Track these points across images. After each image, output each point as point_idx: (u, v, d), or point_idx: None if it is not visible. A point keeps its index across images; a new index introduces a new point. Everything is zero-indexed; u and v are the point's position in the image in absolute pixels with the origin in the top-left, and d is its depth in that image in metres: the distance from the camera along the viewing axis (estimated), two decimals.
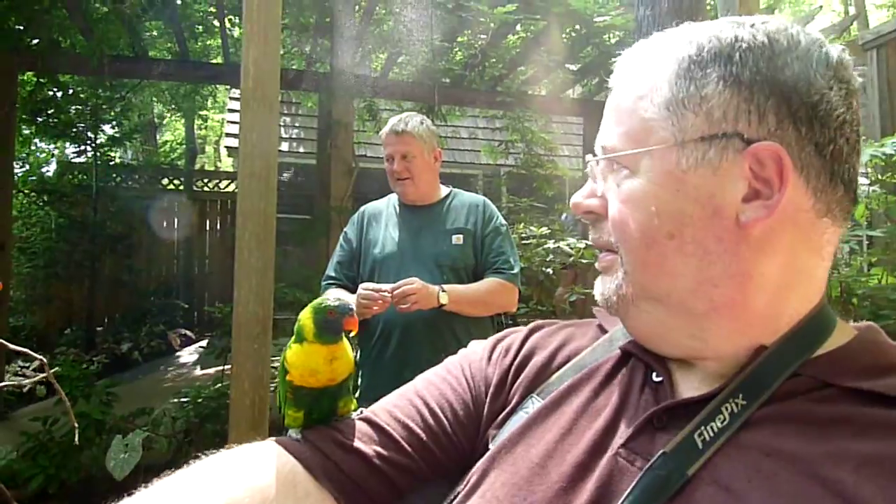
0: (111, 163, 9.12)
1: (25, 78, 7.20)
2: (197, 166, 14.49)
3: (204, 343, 8.13)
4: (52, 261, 8.33)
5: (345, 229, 2.75)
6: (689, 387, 0.68)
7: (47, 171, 10.03)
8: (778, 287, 0.64)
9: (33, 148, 10.34)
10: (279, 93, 2.80)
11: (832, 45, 0.65)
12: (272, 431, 2.81)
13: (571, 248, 4.75)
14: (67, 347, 7.48)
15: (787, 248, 0.64)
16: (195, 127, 14.67)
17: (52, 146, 10.87)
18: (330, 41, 6.04)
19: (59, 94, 7.69)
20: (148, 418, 4.32)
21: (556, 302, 4.96)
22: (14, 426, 4.89)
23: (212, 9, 6.78)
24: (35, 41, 5.88)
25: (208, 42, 8.51)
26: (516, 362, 0.84)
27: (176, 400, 4.70)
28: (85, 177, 8.83)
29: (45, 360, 1.32)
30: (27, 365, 6.99)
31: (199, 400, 4.50)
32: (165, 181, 10.14)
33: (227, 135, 10.85)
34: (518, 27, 6.64)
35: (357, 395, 2.41)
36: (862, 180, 5.34)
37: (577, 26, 6.10)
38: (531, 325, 0.91)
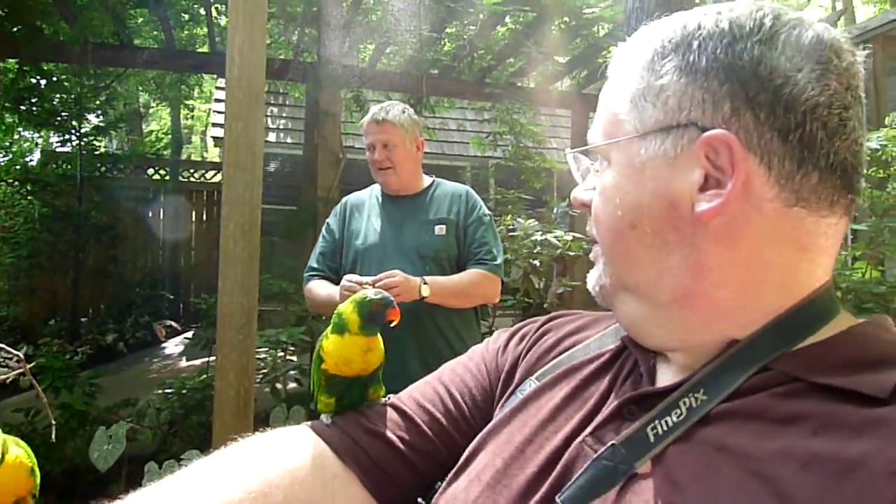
0: (96, 152, 9.03)
1: (7, 65, 7.11)
2: (183, 156, 14.40)
3: (189, 334, 8.10)
4: (35, 251, 8.24)
5: (327, 220, 2.73)
6: (665, 379, 0.68)
7: (31, 160, 9.94)
8: (743, 280, 0.62)
9: (17, 137, 10.23)
10: (265, 82, 2.78)
11: (813, 25, 0.62)
12: (257, 422, 2.80)
13: (559, 241, 4.75)
14: (51, 338, 7.38)
15: (751, 240, 0.61)
16: (181, 117, 14.56)
17: (35, 135, 10.77)
18: (317, 31, 5.99)
19: (42, 83, 7.60)
20: (132, 409, 4.30)
21: (550, 298, 4.97)
22: None
23: None
24: (17, 28, 5.80)
25: (195, 31, 8.43)
26: (526, 348, 0.86)
27: (161, 391, 4.68)
28: (69, 166, 8.74)
29: (21, 355, 1.30)
30: (10, 357, 6.93)
31: (184, 391, 4.48)
32: (151, 171, 10.06)
33: (214, 125, 10.79)
34: (507, 18, 6.61)
35: None
36: None
37: (567, 18, 6.08)
38: (553, 314, 0.93)
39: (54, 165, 8.89)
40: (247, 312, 2.58)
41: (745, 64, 0.60)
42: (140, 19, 7.52)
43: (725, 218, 0.61)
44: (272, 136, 9.87)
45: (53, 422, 1.65)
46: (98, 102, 8.74)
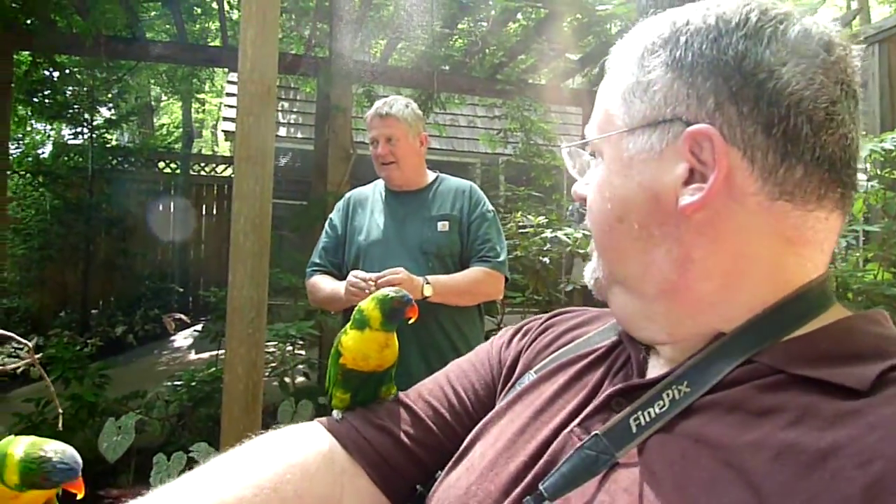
0: (107, 145, 9.06)
1: (21, 57, 7.14)
2: (194, 150, 14.42)
3: (199, 327, 8.14)
4: (46, 243, 8.29)
5: (330, 215, 2.73)
6: (654, 372, 0.69)
7: (43, 152, 9.99)
8: (727, 273, 0.62)
9: (29, 129, 10.29)
10: (277, 77, 2.78)
11: (802, 20, 0.62)
12: (265, 416, 2.82)
13: (569, 238, 4.73)
14: (62, 330, 7.45)
15: (734, 234, 0.62)
16: (192, 110, 14.62)
17: (48, 127, 10.82)
18: (329, 25, 5.99)
19: (55, 75, 7.63)
20: (141, 401, 4.32)
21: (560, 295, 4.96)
22: (8, 407, 4.88)
23: None
24: (31, 20, 5.83)
25: (207, 25, 8.45)
26: (527, 343, 0.88)
27: (169, 383, 4.70)
28: (81, 159, 8.77)
29: (30, 345, 1.31)
30: (21, 347, 6.98)
31: (193, 384, 4.50)
32: (162, 165, 10.09)
33: (225, 119, 10.82)
34: (519, 15, 6.59)
35: None
36: (860, 176, 5.33)
37: (579, 15, 6.06)
38: (557, 310, 0.94)
39: (66, 158, 8.92)
40: (256, 306, 2.58)
41: (730, 59, 0.61)
42: (153, 13, 7.55)
43: (709, 212, 0.61)
44: (283, 131, 9.90)
45: (61, 410, 1.66)
46: (110, 95, 8.77)
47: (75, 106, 8.18)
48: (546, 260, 4.90)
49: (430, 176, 2.67)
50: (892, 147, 3.68)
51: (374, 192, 2.69)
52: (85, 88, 8.12)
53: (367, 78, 6.39)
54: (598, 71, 7.08)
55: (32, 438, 0.79)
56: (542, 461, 0.66)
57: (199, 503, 0.72)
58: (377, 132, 2.55)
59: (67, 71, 7.75)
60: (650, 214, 0.64)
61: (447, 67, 6.98)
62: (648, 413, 0.61)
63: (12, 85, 6.16)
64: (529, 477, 0.65)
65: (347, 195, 2.73)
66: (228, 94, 10.23)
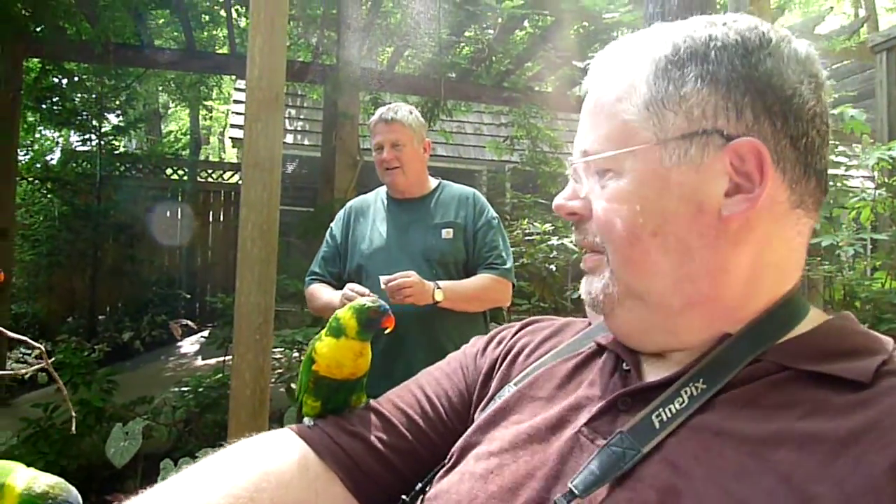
0: (115, 152, 9.12)
1: (30, 64, 7.20)
2: (201, 157, 14.48)
3: (206, 333, 8.15)
4: (54, 249, 8.33)
5: (330, 225, 2.72)
6: (655, 375, 0.70)
7: (51, 158, 10.04)
8: (748, 279, 0.66)
9: (38, 135, 10.35)
10: (284, 84, 2.79)
11: (798, 41, 0.67)
12: (272, 422, 2.82)
13: (575, 245, 4.73)
14: (69, 335, 7.49)
15: (760, 240, 0.66)
16: (200, 117, 14.67)
17: (56, 134, 10.89)
18: (337, 33, 6.03)
19: (64, 82, 7.69)
20: (148, 407, 4.33)
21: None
22: (15, 412, 4.90)
23: None
24: (40, 27, 5.88)
25: (214, 32, 8.50)
26: (503, 352, 0.90)
27: (176, 389, 4.71)
28: (89, 165, 8.83)
29: (43, 349, 1.31)
30: (29, 352, 7.01)
31: (200, 389, 4.51)
32: (169, 171, 10.12)
33: (232, 126, 10.84)
34: (526, 23, 6.62)
35: None
36: (868, 184, 5.32)
37: (586, 23, 6.09)
38: (527, 319, 0.97)
39: (74, 164, 8.98)
40: (264, 312, 2.59)
41: (761, 75, 0.64)
42: (161, 20, 7.60)
43: (743, 220, 0.65)
44: (290, 138, 9.91)
45: (74, 414, 1.66)
46: (118, 102, 8.82)
47: (84, 113, 8.24)
48: (552, 267, 4.91)
49: (433, 183, 2.67)
50: None
51: (375, 200, 2.69)
52: (93, 95, 8.18)
53: (374, 85, 6.43)
54: None
55: (33, 472, 0.77)
56: (551, 463, 0.67)
57: None
58: (382, 137, 2.56)
59: (76, 78, 7.82)
60: (691, 225, 0.66)
61: (454, 75, 7.00)
62: (669, 409, 0.63)
63: (21, 92, 6.21)
64: (538, 478, 0.66)
65: (348, 204, 2.73)
66: (236, 101, 10.27)
